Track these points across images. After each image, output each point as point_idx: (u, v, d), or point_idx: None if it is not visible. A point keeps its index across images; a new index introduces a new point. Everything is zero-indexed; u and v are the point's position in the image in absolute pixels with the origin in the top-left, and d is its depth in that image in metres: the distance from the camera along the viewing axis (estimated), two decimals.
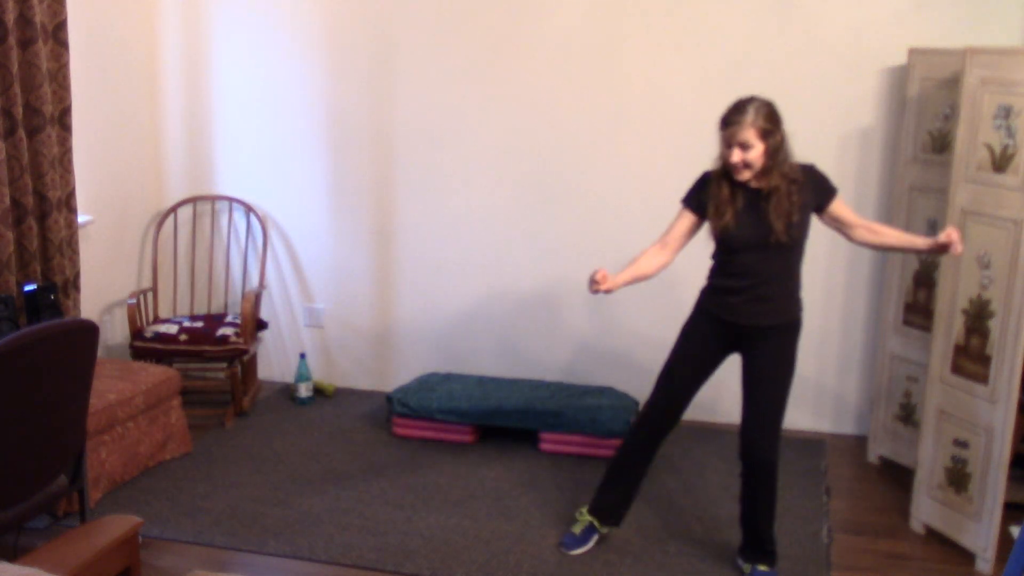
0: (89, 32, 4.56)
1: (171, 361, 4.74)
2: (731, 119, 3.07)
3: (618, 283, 3.25)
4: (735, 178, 3.13)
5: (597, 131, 4.65)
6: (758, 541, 3.36)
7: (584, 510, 3.58)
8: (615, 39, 4.55)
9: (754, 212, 3.14)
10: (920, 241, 3.23)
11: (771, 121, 3.08)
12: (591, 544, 3.54)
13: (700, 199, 3.26)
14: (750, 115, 3.04)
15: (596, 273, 3.20)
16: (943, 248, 3.11)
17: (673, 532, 3.68)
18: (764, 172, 3.11)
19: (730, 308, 3.26)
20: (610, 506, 3.54)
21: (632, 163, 4.65)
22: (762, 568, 3.35)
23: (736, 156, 3.07)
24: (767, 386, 3.26)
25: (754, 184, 3.14)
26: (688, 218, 3.30)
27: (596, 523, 3.55)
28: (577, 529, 3.56)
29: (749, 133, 3.04)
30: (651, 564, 3.45)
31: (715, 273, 3.33)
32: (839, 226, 3.25)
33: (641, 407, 3.45)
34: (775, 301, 3.24)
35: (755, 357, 3.28)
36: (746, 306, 3.23)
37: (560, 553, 3.51)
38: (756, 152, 3.06)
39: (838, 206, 3.21)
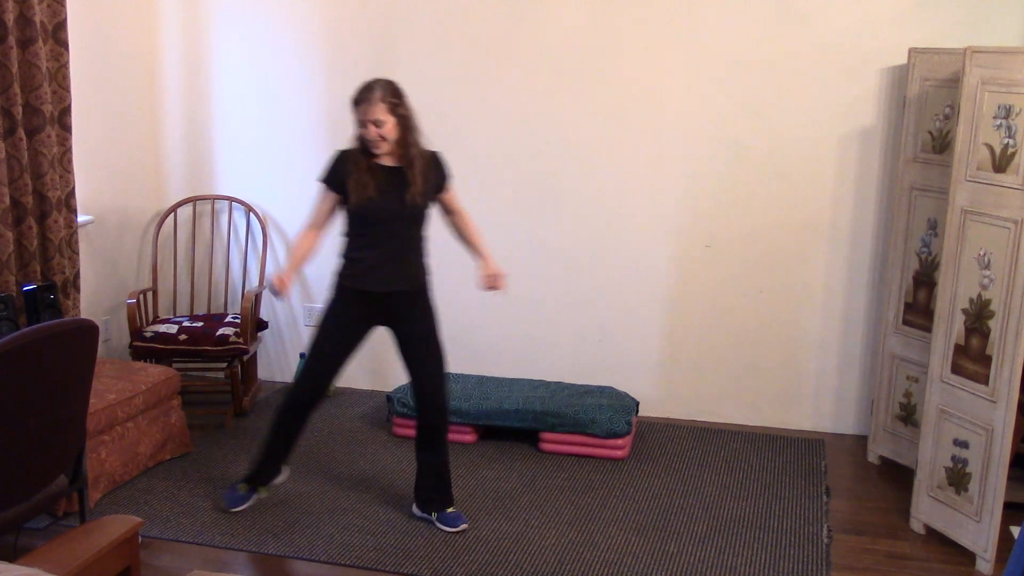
0: (89, 32, 4.56)
1: (171, 361, 4.73)
2: (361, 98, 3.38)
3: (291, 278, 3.56)
4: (374, 153, 3.43)
5: (597, 131, 4.65)
6: (444, 487, 3.70)
7: (242, 485, 3.81)
8: (615, 39, 4.55)
9: (390, 186, 3.45)
10: (482, 261, 3.65)
11: (396, 96, 3.42)
12: (252, 501, 3.80)
13: (338, 178, 3.52)
14: (377, 92, 3.37)
15: (275, 282, 3.50)
16: (487, 280, 3.61)
17: (673, 532, 3.68)
18: (400, 147, 3.43)
19: (369, 279, 3.53)
20: (266, 474, 3.81)
21: (632, 163, 4.65)
22: (450, 510, 3.69)
23: (372, 132, 3.37)
24: (428, 344, 3.60)
25: (389, 161, 3.46)
26: (330, 197, 3.56)
27: (257, 488, 3.83)
28: (242, 489, 3.80)
29: (379, 109, 3.35)
30: (651, 564, 3.45)
31: (351, 247, 3.57)
32: (444, 211, 3.65)
33: (299, 382, 3.76)
34: (409, 267, 3.56)
35: (405, 323, 3.60)
36: (384, 275, 3.52)
37: (560, 553, 3.51)
38: (389, 126, 3.38)
39: (451, 194, 3.62)
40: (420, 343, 3.60)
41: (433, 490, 3.71)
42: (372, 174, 3.44)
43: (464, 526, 3.67)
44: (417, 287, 3.59)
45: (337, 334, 3.62)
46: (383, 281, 3.52)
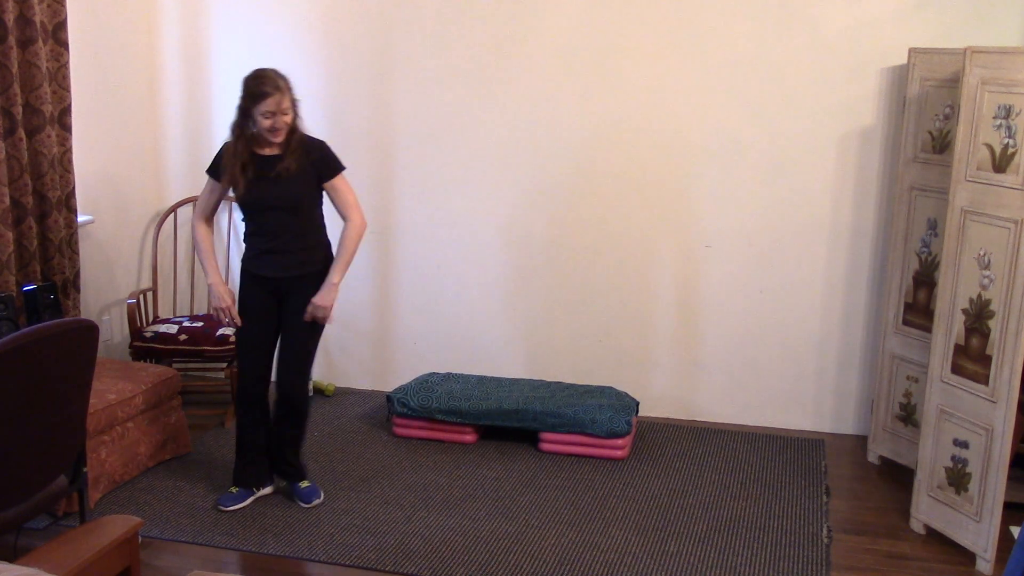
0: (89, 32, 4.56)
1: (171, 361, 4.74)
2: (269, 90, 3.41)
3: (222, 281, 3.76)
4: (273, 141, 3.49)
5: (597, 131, 4.65)
6: (292, 465, 3.85)
7: (233, 486, 3.88)
8: (615, 39, 4.55)
9: (265, 177, 3.53)
10: (330, 271, 3.68)
11: (290, 84, 3.51)
12: (248, 501, 3.85)
13: (220, 168, 3.63)
14: (282, 81, 3.46)
15: (222, 308, 3.72)
16: (310, 307, 3.65)
17: (673, 532, 3.68)
18: (288, 134, 3.51)
19: (262, 263, 3.67)
20: (254, 475, 3.87)
21: (632, 163, 4.65)
22: (304, 484, 3.86)
23: (280, 121, 3.45)
24: (299, 333, 3.70)
25: (267, 151, 3.53)
26: (215, 187, 3.69)
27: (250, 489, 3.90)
28: (234, 489, 3.87)
29: (286, 98, 3.45)
30: (651, 564, 3.45)
31: (246, 233, 3.73)
32: (333, 203, 3.68)
33: (238, 379, 3.85)
34: (295, 255, 3.64)
35: (289, 306, 3.69)
36: (272, 260, 3.65)
37: (560, 553, 3.51)
38: (291, 114, 3.49)
39: (335, 185, 3.63)
40: (295, 330, 3.70)
41: (279, 464, 3.88)
42: (249, 165, 3.53)
43: (317, 500, 3.83)
44: (304, 273, 3.67)
45: (251, 318, 3.74)
46: (272, 266, 3.65)
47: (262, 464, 3.88)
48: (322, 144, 3.64)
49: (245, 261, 3.74)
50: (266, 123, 3.44)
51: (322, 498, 3.86)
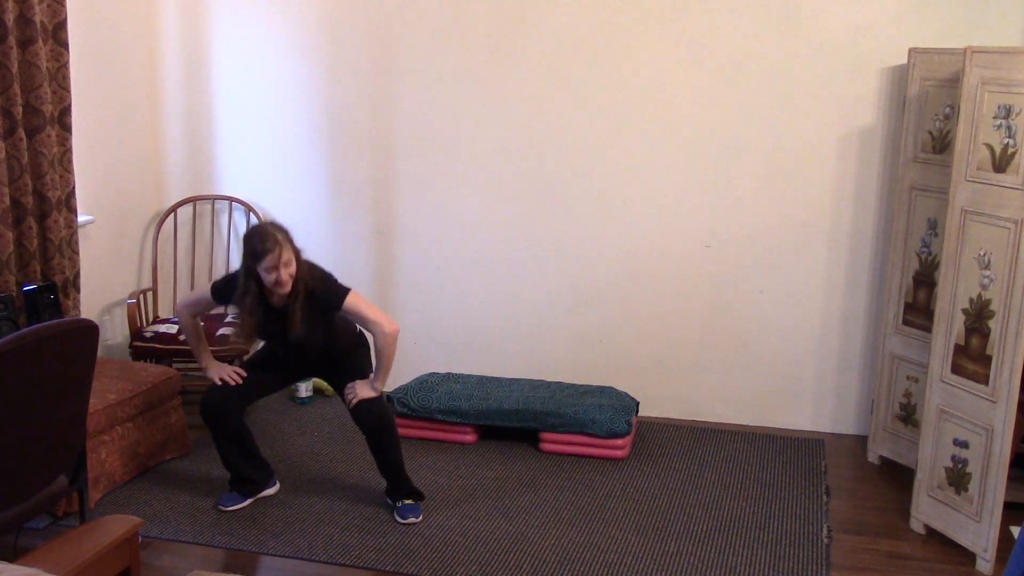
0: (89, 32, 4.56)
1: (171, 361, 4.73)
2: (269, 246, 3.44)
3: (210, 358, 3.89)
4: (280, 293, 3.52)
5: (597, 131, 4.65)
6: (403, 485, 3.81)
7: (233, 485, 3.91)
8: (615, 39, 4.55)
9: (276, 326, 3.61)
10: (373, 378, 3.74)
11: (290, 235, 3.54)
12: (248, 502, 3.87)
13: (226, 297, 3.69)
14: (280, 235, 3.49)
15: (224, 376, 3.79)
16: (349, 390, 3.72)
17: (673, 532, 3.68)
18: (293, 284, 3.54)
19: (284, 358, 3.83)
20: (251, 484, 3.88)
21: (633, 163, 4.65)
22: (408, 502, 3.79)
23: (284, 275, 3.46)
24: (349, 376, 3.76)
25: (277, 302, 3.58)
26: (211, 303, 3.79)
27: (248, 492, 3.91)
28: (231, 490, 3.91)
29: (287, 250, 3.48)
30: (651, 564, 3.45)
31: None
32: (359, 322, 3.70)
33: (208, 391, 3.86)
34: (324, 359, 3.80)
35: (338, 377, 3.81)
36: (300, 363, 3.85)
37: (560, 553, 3.51)
38: (294, 265, 3.50)
39: (347, 309, 3.62)
40: (348, 382, 3.75)
41: (390, 484, 3.87)
42: (260, 315, 3.59)
43: (413, 519, 3.75)
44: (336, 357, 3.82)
45: (263, 359, 3.89)
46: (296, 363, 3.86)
47: (256, 471, 3.89)
48: (323, 279, 3.65)
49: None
50: (270, 278, 3.47)
51: (420, 517, 3.76)
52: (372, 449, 3.78)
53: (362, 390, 3.68)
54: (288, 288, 3.50)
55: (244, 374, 3.79)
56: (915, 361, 4.06)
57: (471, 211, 4.87)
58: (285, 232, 3.52)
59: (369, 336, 3.77)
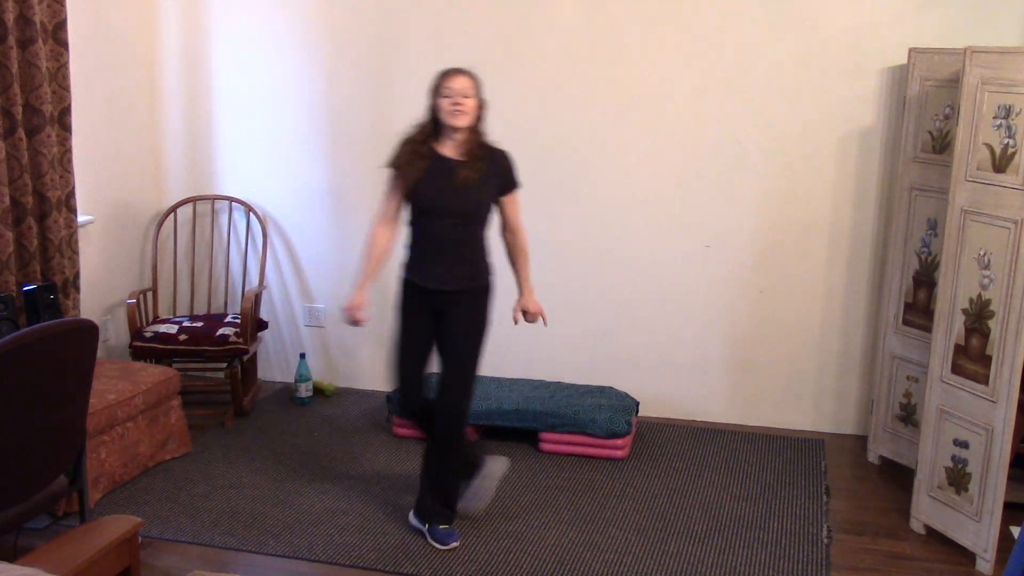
0: (89, 32, 4.56)
1: (171, 361, 4.73)
2: (452, 72, 3.38)
3: (365, 294, 3.55)
4: (453, 123, 3.35)
5: (597, 131, 4.65)
6: (444, 497, 3.57)
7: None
8: (617, 39, 4.55)
9: (444, 175, 3.38)
10: (521, 292, 3.63)
11: (480, 86, 3.41)
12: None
13: (400, 159, 3.48)
14: (467, 70, 3.39)
15: (350, 308, 3.52)
16: (516, 314, 3.61)
17: (673, 532, 3.68)
18: (468, 137, 3.39)
19: (427, 274, 3.46)
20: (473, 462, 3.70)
21: (633, 163, 4.65)
22: (443, 527, 3.55)
23: (462, 101, 3.33)
24: (462, 350, 3.50)
25: (449, 152, 3.40)
26: (397, 183, 3.49)
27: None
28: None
29: (468, 83, 3.36)
30: (651, 564, 3.45)
31: (411, 242, 3.52)
32: (501, 222, 3.55)
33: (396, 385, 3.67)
34: (458, 267, 3.46)
35: (451, 318, 3.49)
36: (440, 272, 3.45)
37: (560, 553, 3.50)
38: (473, 103, 3.36)
39: (512, 200, 3.51)
40: (451, 342, 3.50)
41: (429, 498, 3.61)
42: (426, 158, 3.39)
43: (454, 544, 3.54)
44: (471, 287, 3.48)
45: (405, 327, 3.54)
46: (431, 277, 3.45)
47: (472, 465, 3.68)
48: (508, 155, 3.48)
49: (407, 270, 3.53)
50: (445, 102, 3.34)
51: (458, 541, 3.55)
52: (433, 441, 3.55)
53: (535, 306, 3.60)
54: (461, 120, 3.33)
55: (360, 323, 3.54)
56: (915, 361, 4.06)
57: None
58: (475, 77, 3.40)
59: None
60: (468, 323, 3.50)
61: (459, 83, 3.34)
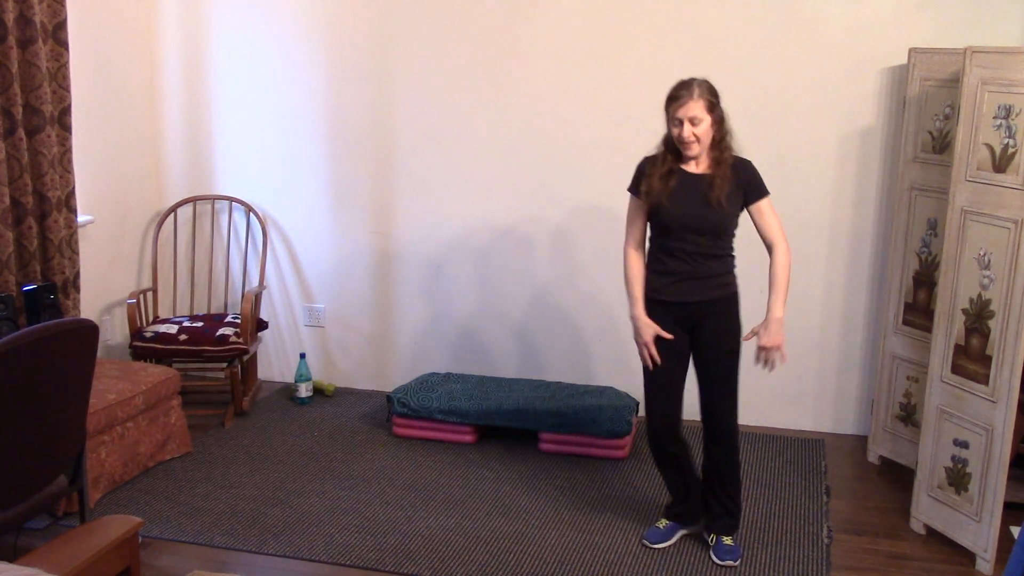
0: (89, 32, 4.56)
1: (171, 361, 4.73)
2: (679, 94, 3.22)
3: (645, 318, 3.39)
4: (685, 154, 3.26)
5: (597, 131, 4.65)
6: (726, 511, 3.49)
7: (662, 520, 3.64)
8: (615, 39, 4.55)
9: (689, 192, 3.27)
10: (766, 317, 3.38)
11: (714, 95, 3.25)
12: (674, 539, 3.60)
13: (640, 179, 3.39)
14: (696, 89, 3.21)
15: (647, 335, 3.37)
16: (758, 350, 3.36)
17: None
18: (711, 151, 3.26)
19: (674, 289, 3.36)
20: (681, 511, 3.62)
21: (632, 163, 4.64)
22: (727, 541, 3.48)
23: (687, 130, 3.20)
24: (723, 363, 3.40)
25: (695, 168, 3.29)
26: (638, 206, 3.40)
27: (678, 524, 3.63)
28: (661, 524, 3.63)
29: (698, 106, 3.19)
30: (651, 564, 3.45)
31: (654, 257, 3.42)
32: (758, 232, 3.38)
33: (647, 420, 3.54)
34: (705, 280, 3.35)
35: (705, 334, 3.40)
36: (689, 285, 3.35)
37: (560, 553, 3.51)
38: (705, 126, 3.21)
39: (759, 210, 3.33)
40: (711, 357, 3.40)
41: (714, 511, 3.53)
42: (670, 177, 3.29)
43: (731, 562, 3.42)
44: (719, 296, 3.37)
45: (661, 350, 3.40)
46: (687, 291, 3.34)
47: (696, 502, 3.58)
48: (749, 164, 3.33)
49: (650, 286, 3.39)
50: (675, 131, 3.22)
51: (738, 562, 3.43)
52: (708, 463, 3.47)
53: (775, 335, 3.31)
54: (692, 150, 3.22)
55: (659, 363, 3.38)
56: (915, 361, 4.06)
57: (471, 211, 4.87)
58: (706, 88, 3.22)
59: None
60: (726, 332, 3.40)
61: (685, 110, 3.18)
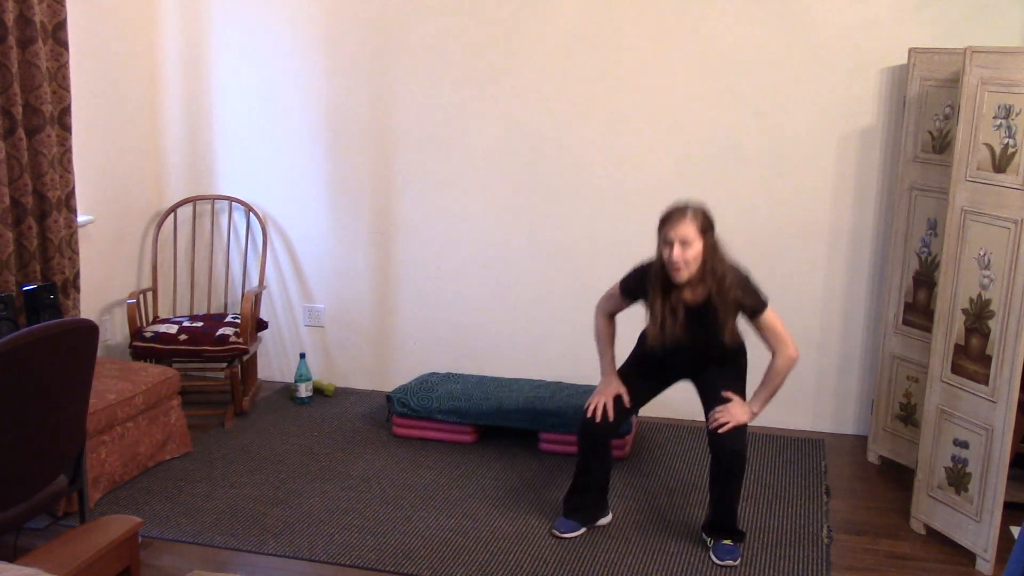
0: (89, 32, 4.56)
1: (171, 361, 4.74)
2: (672, 215, 3.25)
3: (614, 374, 3.62)
4: (673, 278, 3.27)
5: (597, 131, 4.65)
6: (728, 523, 3.51)
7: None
8: (615, 39, 4.55)
9: (692, 328, 3.36)
10: (753, 396, 3.47)
11: (708, 220, 3.27)
12: (583, 530, 3.65)
13: (635, 291, 3.48)
14: (690, 212, 3.24)
15: (607, 396, 3.53)
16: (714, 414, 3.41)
17: (674, 531, 3.68)
18: (702, 279, 3.29)
19: (669, 361, 3.53)
20: (592, 510, 3.70)
21: (632, 164, 4.65)
22: (727, 542, 3.50)
23: (677, 253, 3.20)
24: (726, 385, 3.48)
25: (690, 297, 3.33)
26: (623, 301, 3.55)
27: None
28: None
29: (690, 228, 3.20)
30: (651, 563, 3.45)
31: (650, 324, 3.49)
32: (761, 338, 3.43)
33: (586, 413, 3.60)
34: (712, 360, 3.53)
35: (709, 372, 3.55)
36: (685, 366, 3.56)
37: (560, 553, 3.51)
38: (695, 250, 3.22)
39: (763, 323, 3.37)
40: (717, 384, 3.48)
41: (714, 520, 3.54)
42: (674, 314, 3.32)
43: (731, 561, 3.43)
44: (719, 355, 3.49)
45: (638, 363, 3.61)
46: (679, 361, 3.54)
47: (600, 500, 3.68)
48: (745, 280, 3.35)
49: (644, 340, 3.51)
50: (665, 252, 3.23)
51: (738, 562, 3.44)
52: (713, 480, 3.47)
53: (738, 413, 3.36)
54: (681, 276, 3.23)
55: (627, 398, 3.55)
56: (915, 361, 4.06)
57: (471, 211, 4.87)
58: (700, 213, 3.24)
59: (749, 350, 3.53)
60: (726, 369, 3.51)
61: (676, 231, 3.20)
